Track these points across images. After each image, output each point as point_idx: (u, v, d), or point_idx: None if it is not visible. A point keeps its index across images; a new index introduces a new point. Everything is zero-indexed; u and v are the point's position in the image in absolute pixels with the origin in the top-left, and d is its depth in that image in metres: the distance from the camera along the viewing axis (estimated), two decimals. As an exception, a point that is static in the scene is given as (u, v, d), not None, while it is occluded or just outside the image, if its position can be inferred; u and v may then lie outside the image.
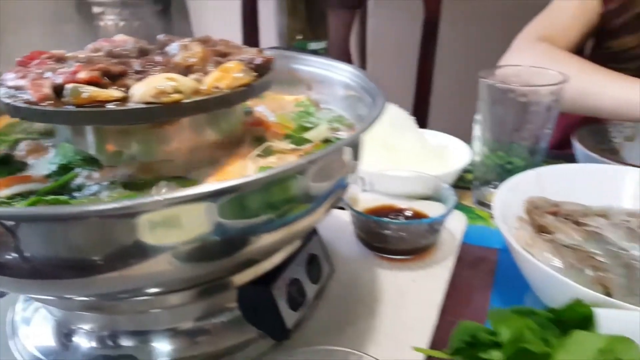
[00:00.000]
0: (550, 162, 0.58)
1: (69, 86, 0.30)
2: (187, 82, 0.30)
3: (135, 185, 0.31)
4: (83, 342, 0.37)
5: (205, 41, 0.40)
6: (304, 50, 0.61)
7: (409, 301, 0.46)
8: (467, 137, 0.69)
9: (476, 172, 0.64)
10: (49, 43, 0.41)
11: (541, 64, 0.74)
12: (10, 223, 0.24)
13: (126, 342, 0.36)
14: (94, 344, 0.37)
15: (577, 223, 0.51)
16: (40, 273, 0.27)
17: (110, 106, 0.29)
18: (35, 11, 1.98)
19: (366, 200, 0.57)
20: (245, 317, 0.37)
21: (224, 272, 0.33)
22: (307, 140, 0.39)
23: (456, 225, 0.57)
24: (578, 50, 0.85)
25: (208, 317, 0.36)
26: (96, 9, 2.44)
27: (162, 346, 0.36)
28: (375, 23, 1.55)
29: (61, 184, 0.31)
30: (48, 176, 0.33)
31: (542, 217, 0.51)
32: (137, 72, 0.33)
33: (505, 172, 0.59)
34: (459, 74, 0.56)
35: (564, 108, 0.75)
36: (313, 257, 0.42)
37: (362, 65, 1.70)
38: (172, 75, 0.30)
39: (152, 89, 0.29)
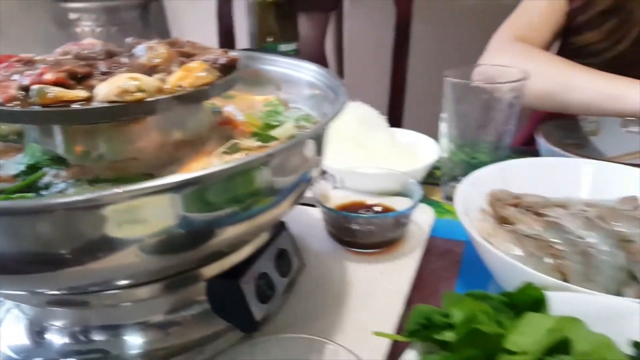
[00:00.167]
0: (516, 158, 0.61)
1: (35, 87, 0.31)
2: (150, 82, 0.31)
3: (102, 182, 0.32)
4: (56, 338, 0.38)
5: (172, 43, 0.41)
6: (274, 51, 0.63)
7: (377, 292, 0.47)
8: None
9: (444, 168, 0.66)
10: (24, 49, 0.41)
11: (520, 63, 0.76)
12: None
13: (98, 337, 0.37)
14: (66, 340, 0.37)
15: (538, 214, 0.53)
16: (9, 268, 0.28)
17: (75, 106, 0.30)
18: (10, 18, 1.96)
19: (337, 197, 0.58)
20: (214, 310, 0.38)
21: (191, 264, 0.34)
22: (274, 138, 0.41)
23: (424, 219, 0.59)
24: (548, 48, 0.88)
25: (178, 310, 0.37)
26: (72, 15, 2.42)
27: (134, 339, 0.37)
28: (351, 25, 1.58)
29: (28, 183, 0.32)
30: (16, 176, 0.34)
31: (504, 209, 0.53)
32: (103, 74, 0.34)
33: (471, 167, 0.61)
34: (433, 74, 0.58)
35: (542, 105, 0.78)
36: (282, 252, 0.44)
37: (340, 66, 1.72)
38: (135, 75, 0.31)
39: (116, 88, 0.30)
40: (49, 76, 0.32)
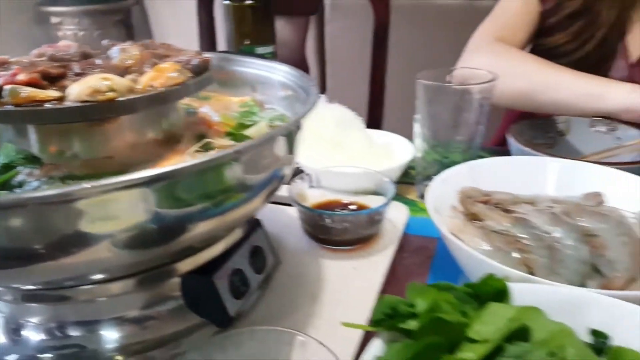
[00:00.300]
0: (488, 157, 0.62)
1: (7, 87, 0.32)
2: (121, 81, 0.32)
3: (74, 179, 0.33)
4: (32, 335, 0.38)
5: (146, 45, 0.42)
6: (251, 54, 0.64)
7: (351, 287, 0.48)
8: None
9: (418, 168, 0.68)
10: (5, 53, 0.42)
11: (499, 64, 0.79)
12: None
13: (74, 332, 0.37)
14: (42, 336, 0.38)
15: (506, 210, 0.55)
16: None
17: (47, 105, 0.31)
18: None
19: (313, 196, 0.60)
20: (188, 306, 0.39)
21: (164, 259, 0.35)
22: (247, 137, 0.42)
23: (398, 217, 0.60)
24: (524, 48, 0.90)
25: (153, 305, 0.38)
26: (54, 19, 2.40)
27: (110, 334, 0.37)
28: (332, 30, 1.59)
29: (1, 182, 0.32)
30: (-10, 175, 0.34)
31: (474, 206, 0.54)
32: (77, 74, 0.35)
33: (443, 167, 0.63)
34: (412, 77, 0.60)
35: (521, 105, 0.80)
36: (257, 249, 0.45)
37: (322, 71, 1.74)
38: (107, 75, 0.32)
39: (87, 88, 0.31)
40: (22, 77, 0.33)
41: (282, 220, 0.59)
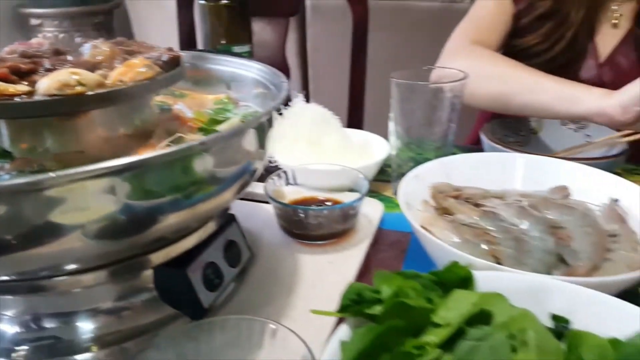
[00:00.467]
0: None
1: (-24, 82, 0.32)
2: (90, 76, 0.33)
3: (45, 172, 0.33)
4: (7, 328, 0.38)
5: (119, 43, 0.43)
6: (228, 53, 0.65)
7: (325, 280, 0.49)
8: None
9: (393, 165, 0.69)
10: None
11: (477, 66, 0.80)
12: None
13: (49, 324, 0.38)
14: (18, 329, 0.38)
15: (477, 205, 0.56)
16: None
17: (16, 99, 0.31)
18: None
19: (290, 193, 0.60)
20: (162, 298, 0.39)
21: (136, 250, 0.36)
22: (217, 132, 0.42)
23: (373, 213, 0.61)
24: (499, 49, 0.92)
25: (128, 297, 0.39)
26: (34, 21, 2.38)
27: (85, 325, 0.38)
28: (314, 33, 1.61)
29: (-28, 176, 0.33)
30: (-40, 170, 0.35)
31: (445, 201, 0.56)
32: (47, 70, 0.35)
33: (417, 164, 0.64)
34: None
35: (497, 107, 0.81)
36: (231, 243, 0.45)
37: (304, 73, 1.75)
38: (76, 70, 0.33)
39: (56, 82, 0.31)
40: (-9, 71, 0.33)
41: (259, 217, 0.60)
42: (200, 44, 1.06)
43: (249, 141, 0.37)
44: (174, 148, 0.28)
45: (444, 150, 0.66)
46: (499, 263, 0.47)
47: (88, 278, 0.35)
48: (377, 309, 0.33)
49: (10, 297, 0.37)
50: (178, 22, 1.13)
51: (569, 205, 0.53)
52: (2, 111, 0.31)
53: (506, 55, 0.84)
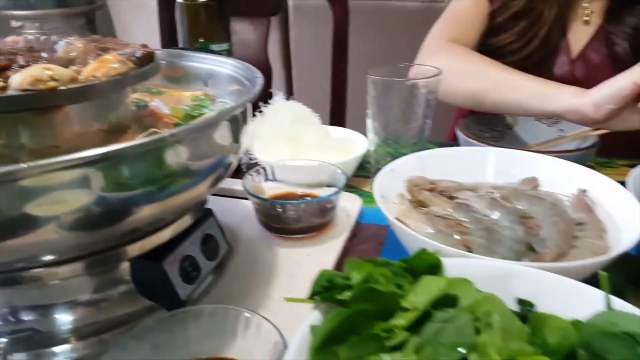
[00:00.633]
0: (436, 149, 0.65)
1: (-51, 78, 0.33)
2: (63, 71, 0.33)
3: (18, 166, 0.33)
4: (-15, 321, 0.39)
5: (95, 40, 0.44)
6: (206, 51, 0.65)
7: (303, 272, 0.50)
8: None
9: (371, 161, 0.70)
10: None
11: (455, 64, 0.82)
12: None
13: (27, 317, 0.38)
14: (-4, 321, 0.38)
15: (451, 197, 0.58)
16: None
17: (-11, 94, 0.32)
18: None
19: (269, 189, 0.61)
20: (139, 290, 0.40)
21: (112, 241, 0.36)
22: (193, 127, 0.43)
23: (352, 207, 0.63)
24: (476, 48, 0.93)
25: (105, 289, 0.39)
26: (15, 23, 2.35)
27: (63, 317, 0.38)
28: (297, 33, 1.62)
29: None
30: None
31: (420, 194, 0.57)
32: (21, 67, 0.36)
33: (395, 159, 0.66)
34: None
35: (474, 104, 0.82)
36: (208, 237, 0.46)
37: (288, 73, 1.76)
38: (49, 66, 0.33)
39: (29, 77, 0.32)
40: (-36, 68, 0.34)
41: (238, 213, 0.61)
42: (181, 44, 1.07)
43: (222, 134, 0.38)
44: (144, 139, 0.29)
45: (420, 145, 0.68)
46: (470, 252, 0.49)
47: (64, 270, 0.36)
48: (347, 295, 0.34)
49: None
50: (159, 22, 1.13)
51: (539, 196, 0.55)
52: (-25, 106, 0.32)
53: (481, 54, 0.85)
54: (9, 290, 0.37)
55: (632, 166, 0.61)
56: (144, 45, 0.41)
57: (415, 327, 0.34)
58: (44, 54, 0.39)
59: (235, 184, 0.62)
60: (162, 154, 0.32)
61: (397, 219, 0.52)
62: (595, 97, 0.66)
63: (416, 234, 0.47)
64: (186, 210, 0.42)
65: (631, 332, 0.33)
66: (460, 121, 0.77)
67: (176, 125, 0.43)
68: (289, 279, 0.49)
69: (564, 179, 0.58)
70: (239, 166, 0.68)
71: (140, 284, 0.40)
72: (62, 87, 0.33)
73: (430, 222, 0.52)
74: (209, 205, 0.49)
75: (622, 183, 0.55)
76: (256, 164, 0.63)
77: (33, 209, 0.29)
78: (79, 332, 0.38)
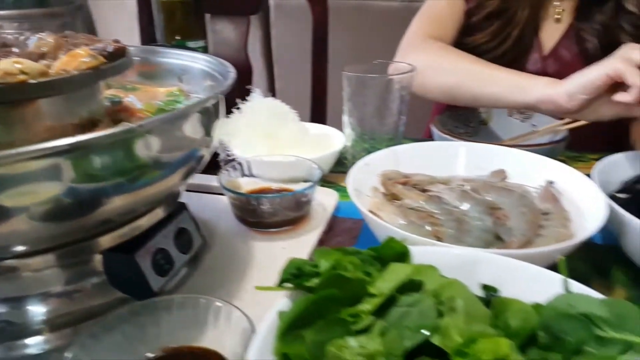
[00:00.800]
0: (411, 144, 0.66)
1: None
2: (34, 65, 0.34)
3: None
4: (-42, 313, 0.39)
5: (67, 36, 0.44)
6: (182, 48, 0.66)
7: (278, 265, 0.50)
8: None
9: (348, 157, 0.72)
10: None
11: (433, 60, 0.83)
12: None
13: (0, 309, 0.38)
14: (-32, 314, 0.38)
15: (424, 190, 0.59)
16: None
17: (-42, 88, 0.32)
18: None
19: (246, 184, 0.62)
20: (111, 282, 0.40)
21: (84, 232, 0.37)
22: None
23: (328, 201, 0.63)
24: (454, 45, 0.94)
25: (78, 280, 0.40)
26: (-7, 23, 2.32)
27: (36, 309, 0.38)
28: (278, 32, 1.63)
29: None
30: None
31: (394, 187, 0.59)
32: (-8, 61, 0.36)
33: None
34: None
35: (452, 98, 0.83)
36: (182, 230, 0.47)
37: (270, 72, 1.76)
38: (19, 60, 0.34)
39: (-2, 71, 0.32)
40: None
41: (215, 208, 0.61)
42: (159, 42, 1.07)
43: (193, 127, 0.39)
44: (113, 129, 0.30)
45: (395, 141, 0.69)
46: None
47: (37, 261, 0.36)
48: (315, 282, 0.35)
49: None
50: (138, 21, 1.13)
51: (507, 187, 0.57)
52: (-57, 99, 0.32)
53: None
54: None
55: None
56: (116, 41, 0.42)
57: (381, 311, 0.35)
58: (15, 49, 0.39)
59: (212, 180, 0.63)
60: (131, 145, 0.33)
61: (370, 211, 0.53)
62: (568, 87, 0.67)
63: (388, 225, 0.49)
64: (158, 203, 0.42)
65: (587, 313, 0.34)
66: (435, 117, 0.78)
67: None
68: (263, 271, 0.50)
69: (533, 171, 0.60)
70: (216, 162, 0.69)
71: (113, 276, 0.40)
72: (32, 81, 0.33)
73: (403, 214, 0.54)
74: (184, 201, 0.49)
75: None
76: (233, 160, 0.64)
77: (3, 199, 0.30)
78: (52, 324, 0.38)
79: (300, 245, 0.55)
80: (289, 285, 0.36)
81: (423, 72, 0.80)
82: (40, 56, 0.37)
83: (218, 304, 0.37)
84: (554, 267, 0.40)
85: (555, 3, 0.89)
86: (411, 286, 0.36)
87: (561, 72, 0.79)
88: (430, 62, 0.84)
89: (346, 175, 0.75)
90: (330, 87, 1.23)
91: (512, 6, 0.88)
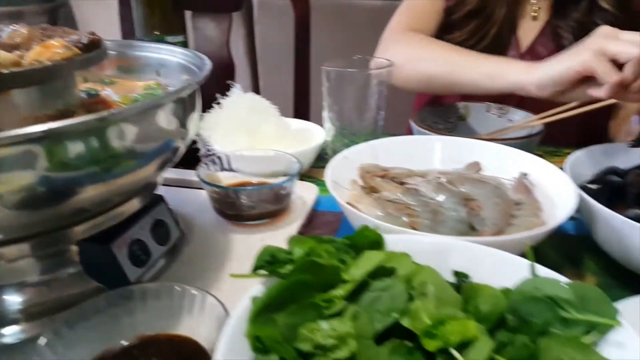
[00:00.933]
0: (390, 138, 0.67)
1: None
2: (5, 55, 0.34)
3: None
4: None
5: (44, 29, 0.44)
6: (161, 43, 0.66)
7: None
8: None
9: (328, 152, 0.72)
10: None
11: (414, 51, 0.84)
12: None
13: (-24, 299, 0.38)
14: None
15: (402, 183, 0.60)
16: None
17: None
18: None
19: (225, 179, 0.62)
20: (87, 272, 0.40)
21: (58, 221, 0.37)
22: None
23: (308, 195, 0.64)
24: None
25: (54, 270, 0.40)
26: (-27, 21, 2.28)
27: (12, 298, 0.38)
28: (262, 29, 1.63)
29: None
30: None
31: (372, 180, 0.59)
32: (-36, 51, 0.36)
33: (349, 148, 0.68)
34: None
35: (434, 86, 0.84)
36: (159, 222, 0.47)
37: (254, 70, 1.77)
38: (-9, 49, 0.34)
39: (-31, 60, 0.32)
40: None
41: (194, 202, 0.62)
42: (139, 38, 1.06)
43: (168, 117, 0.39)
44: (85, 117, 0.30)
45: (374, 136, 0.70)
46: (418, 233, 0.51)
47: (11, 251, 0.36)
48: (289, 269, 0.35)
49: None
50: (119, 18, 1.13)
51: (482, 179, 0.58)
52: None
53: None
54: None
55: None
56: (92, 33, 0.42)
57: (354, 297, 0.35)
58: (-12, 41, 0.39)
59: (192, 175, 0.63)
60: (105, 133, 0.33)
61: (349, 203, 0.53)
62: (539, 78, 0.67)
63: (366, 216, 0.49)
64: (134, 194, 0.43)
65: (552, 296, 0.36)
66: (415, 113, 0.79)
67: (125, 111, 0.44)
68: (242, 262, 0.50)
69: (508, 164, 0.62)
70: (197, 158, 0.69)
71: (89, 266, 0.40)
72: (4, 71, 0.33)
73: (380, 206, 0.54)
74: (163, 194, 0.50)
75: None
76: (212, 154, 0.64)
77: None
78: (28, 313, 0.38)
79: (278, 237, 0.55)
80: (264, 272, 0.36)
81: (403, 64, 0.81)
82: (14, 47, 0.37)
83: (193, 291, 0.37)
84: (525, 256, 0.42)
85: (532, 1, 0.91)
86: (383, 272, 0.37)
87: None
88: (410, 53, 0.85)
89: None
90: (313, 85, 1.24)
91: (490, 5, 0.89)
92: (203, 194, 0.64)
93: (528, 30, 0.92)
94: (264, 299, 0.32)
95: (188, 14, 1.11)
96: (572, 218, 0.60)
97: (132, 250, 0.42)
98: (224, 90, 0.74)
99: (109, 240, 0.40)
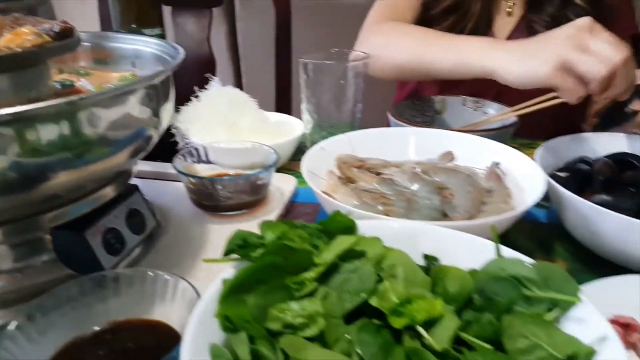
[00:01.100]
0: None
1: None
2: (-26, 41, 0.34)
3: None
4: None
5: (16, 18, 0.44)
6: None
7: (232, 246, 0.52)
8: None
9: (307, 144, 0.73)
10: None
11: (393, 40, 0.85)
12: None
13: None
14: None
15: (378, 173, 0.61)
16: None
17: None
18: None
19: (203, 171, 0.63)
20: (61, 260, 0.40)
21: (30, 207, 0.37)
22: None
23: (286, 187, 0.65)
24: None
25: (27, 257, 0.40)
26: (-50, 19, 2.24)
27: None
28: (243, 26, 1.63)
29: None
30: None
31: (349, 170, 0.60)
32: None
33: (327, 140, 0.68)
34: None
35: (412, 72, 0.84)
36: (134, 211, 0.47)
37: (237, 67, 1.77)
38: (-41, 36, 0.34)
39: (-64, 46, 0.32)
40: None
41: (172, 194, 0.62)
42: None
43: (139, 104, 0.39)
44: (55, 101, 0.30)
45: (352, 129, 0.71)
46: (392, 221, 0.52)
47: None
48: (260, 252, 0.36)
49: None
50: (99, 13, 1.12)
51: (455, 169, 0.59)
52: None
53: None
54: None
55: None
56: (64, 22, 0.42)
57: (324, 279, 0.36)
58: (-42, 29, 0.39)
59: (169, 168, 0.63)
60: (75, 118, 0.33)
61: (325, 193, 0.54)
62: (511, 80, 0.69)
63: (342, 205, 0.50)
64: (107, 181, 0.43)
65: (516, 275, 0.37)
66: (393, 107, 0.80)
67: (99, 101, 0.44)
68: (218, 252, 0.50)
69: (481, 154, 0.63)
70: (175, 151, 0.69)
71: (62, 254, 0.40)
72: (-27, 57, 0.33)
73: (356, 196, 0.55)
74: (141, 187, 0.50)
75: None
76: (189, 145, 0.64)
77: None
78: (2, 300, 0.38)
79: (256, 227, 0.55)
80: (236, 256, 0.37)
81: (379, 54, 0.82)
82: (-16, 35, 0.37)
83: (166, 276, 0.38)
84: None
85: (506, -3, 0.93)
86: (354, 255, 0.38)
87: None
88: (385, 42, 0.86)
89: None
90: (294, 81, 1.24)
91: (466, 1, 0.91)
92: (181, 187, 0.64)
93: (503, 26, 0.94)
94: (234, 281, 0.33)
95: (168, 9, 1.12)
96: (543, 207, 0.62)
97: (107, 239, 0.42)
98: (202, 83, 0.74)
99: (82, 228, 0.40)
